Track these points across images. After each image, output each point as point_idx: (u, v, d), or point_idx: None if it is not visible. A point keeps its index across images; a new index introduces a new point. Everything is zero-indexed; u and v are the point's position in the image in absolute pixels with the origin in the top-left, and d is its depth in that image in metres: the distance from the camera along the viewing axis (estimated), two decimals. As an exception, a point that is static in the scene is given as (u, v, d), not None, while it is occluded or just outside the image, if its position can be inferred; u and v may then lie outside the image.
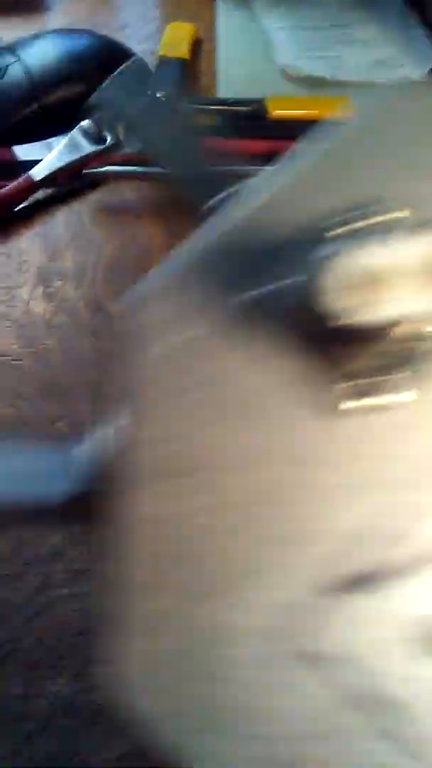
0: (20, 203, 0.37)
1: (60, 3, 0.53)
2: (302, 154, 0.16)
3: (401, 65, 0.46)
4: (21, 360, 0.32)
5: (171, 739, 0.13)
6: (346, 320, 0.10)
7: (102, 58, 0.42)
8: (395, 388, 0.11)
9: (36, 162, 0.38)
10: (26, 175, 0.37)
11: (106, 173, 0.38)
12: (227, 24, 0.48)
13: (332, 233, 0.11)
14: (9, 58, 0.40)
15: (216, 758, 0.12)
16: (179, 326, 0.13)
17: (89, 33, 0.43)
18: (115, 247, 0.36)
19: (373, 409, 0.11)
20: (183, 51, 0.44)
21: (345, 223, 0.12)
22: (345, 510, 0.12)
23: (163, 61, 0.43)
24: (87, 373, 0.32)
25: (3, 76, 0.39)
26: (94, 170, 0.38)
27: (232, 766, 0.12)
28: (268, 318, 0.12)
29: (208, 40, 0.48)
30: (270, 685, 0.12)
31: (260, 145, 0.40)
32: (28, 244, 0.36)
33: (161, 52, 0.44)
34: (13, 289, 0.35)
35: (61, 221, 0.37)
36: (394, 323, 0.10)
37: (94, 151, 0.39)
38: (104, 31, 0.45)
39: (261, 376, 0.12)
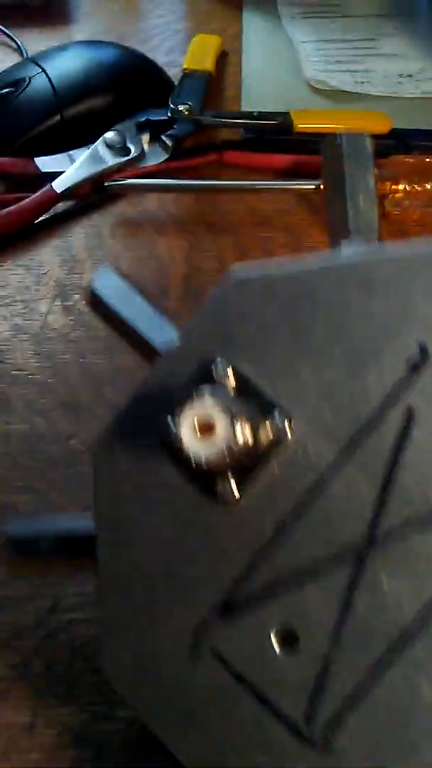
0: (41, 215, 0.37)
1: (85, 15, 0.53)
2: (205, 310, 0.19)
3: (430, 78, 0.45)
4: (37, 374, 0.32)
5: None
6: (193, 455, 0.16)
7: (126, 70, 0.42)
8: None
9: (58, 174, 0.37)
10: (48, 186, 0.37)
11: (128, 186, 0.38)
12: (253, 37, 0.48)
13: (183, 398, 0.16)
14: (33, 70, 0.40)
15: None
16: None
17: (114, 45, 0.43)
18: (134, 260, 0.36)
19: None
20: (208, 64, 0.44)
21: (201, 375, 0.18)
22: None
23: (187, 74, 0.43)
24: (103, 389, 0.31)
25: (27, 87, 0.39)
26: (117, 183, 0.37)
27: None
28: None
29: (234, 52, 0.48)
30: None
31: (285, 160, 0.40)
32: (48, 257, 0.36)
33: (185, 65, 0.44)
34: (31, 303, 0.34)
35: (80, 234, 0.37)
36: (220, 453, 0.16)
37: (116, 163, 0.38)
38: (129, 43, 0.45)
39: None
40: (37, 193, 0.36)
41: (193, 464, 0.16)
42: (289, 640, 0.17)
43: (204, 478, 0.18)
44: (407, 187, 0.37)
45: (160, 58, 0.45)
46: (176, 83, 0.42)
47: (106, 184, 0.37)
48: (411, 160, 0.38)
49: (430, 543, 0.16)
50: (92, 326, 0.33)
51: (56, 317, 0.34)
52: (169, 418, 0.16)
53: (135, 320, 0.21)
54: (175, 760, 0.19)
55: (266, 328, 0.18)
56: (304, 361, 0.18)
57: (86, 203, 0.38)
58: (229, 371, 0.18)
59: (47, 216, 0.37)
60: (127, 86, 0.41)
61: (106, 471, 0.19)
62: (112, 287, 0.22)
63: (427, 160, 0.37)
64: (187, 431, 0.16)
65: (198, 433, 0.16)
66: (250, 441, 0.16)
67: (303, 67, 0.45)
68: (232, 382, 0.18)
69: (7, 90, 0.39)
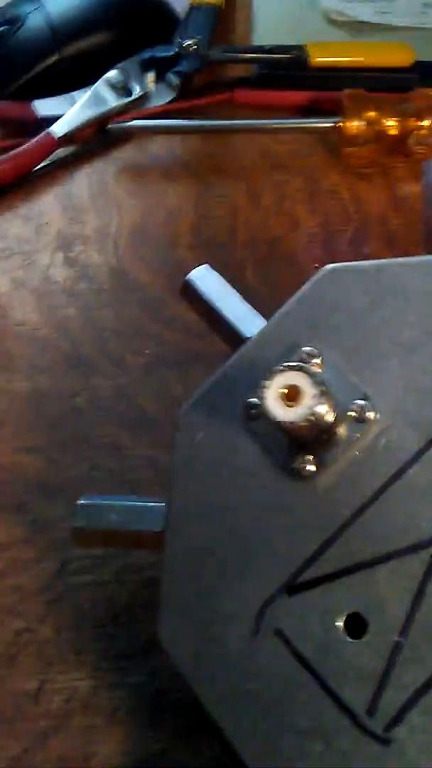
0: (40, 162, 0.35)
1: None
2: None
3: (456, 8, 0.42)
4: (39, 329, 0.30)
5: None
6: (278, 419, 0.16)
7: (129, 5, 0.39)
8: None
9: (58, 118, 0.35)
10: (46, 131, 0.34)
11: (132, 128, 0.35)
12: (265, -34, 0.44)
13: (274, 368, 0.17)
14: (29, 6, 0.37)
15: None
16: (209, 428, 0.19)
17: (117, -22, 0.40)
18: (141, 209, 0.34)
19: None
20: (216, -4, 0.41)
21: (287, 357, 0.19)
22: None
23: (195, 7, 0.40)
24: (108, 344, 0.29)
25: (23, 24, 0.37)
26: (120, 125, 0.35)
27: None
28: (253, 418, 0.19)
29: (244, -16, 0.45)
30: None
31: (301, 97, 0.37)
32: (48, 206, 0.34)
33: (193, -1, 0.41)
34: (31, 255, 0.32)
35: (83, 181, 0.35)
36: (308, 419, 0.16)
37: (119, 105, 0.36)
38: (133, -23, 0.42)
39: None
40: (35, 139, 0.34)
41: (279, 426, 0.16)
42: (357, 626, 0.17)
43: (284, 456, 0.18)
44: (432, 123, 0.34)
45: (165, -7, 0.42)
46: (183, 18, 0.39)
47: (108, 127, 0.35)
48: (436, 93, 0.35)
49: None
50: (96, 278, 0.31)
51: (58, 269, 0.32)
52: (259, 384, 0.17)
53: (231, 316, 0.21)
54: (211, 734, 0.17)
55: (356, 317, 0.19)
56: (393, 353, 0.18)
57: (88, 148, 0.36)
58: (317, 357, 0.19)
59: (46, 163, 0.35)
60: (129, 22, 0.38)
61: (186, 442, 0.20)
62: (211, 284, 0.23)
63: (454, 92, 0.35)
64: (274, 397, 0.16)
65: (284, 401, 0.16)
66: (332, 416, 0.17)
67: (319, -3, 0.42)
68: (320, 364, 0.19)
69: (1, 28, 0.37)
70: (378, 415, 0.18)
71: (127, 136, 0.36)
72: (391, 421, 0.18)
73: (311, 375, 0.16)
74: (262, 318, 0.21)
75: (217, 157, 0.36)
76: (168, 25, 0.39)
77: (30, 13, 0.37)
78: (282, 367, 0.17)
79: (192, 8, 0.40)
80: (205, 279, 0.23)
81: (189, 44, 0.37)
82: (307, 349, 0.19)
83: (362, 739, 0.16)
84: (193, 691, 0.17)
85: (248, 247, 0.32)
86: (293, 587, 0.17)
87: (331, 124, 0.34)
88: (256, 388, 0.17)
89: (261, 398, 0.17)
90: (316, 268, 0.32)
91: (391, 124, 0.34)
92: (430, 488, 0.17)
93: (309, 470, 0.18)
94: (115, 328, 0.30)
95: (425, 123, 0.34)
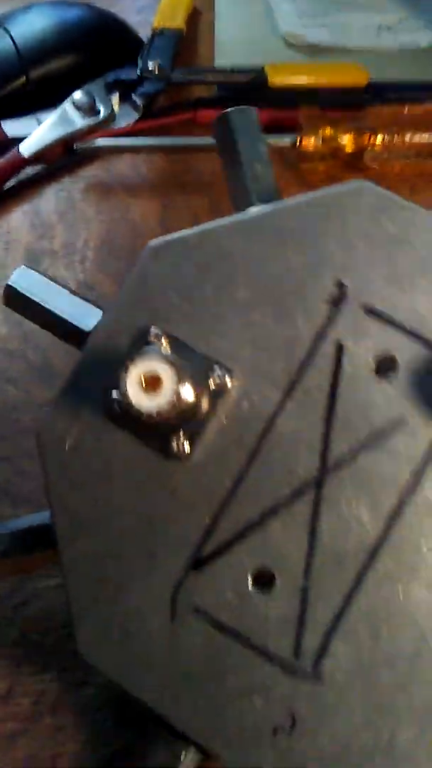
0: (8, 180, 0.36)
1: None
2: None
3: (409, 31, 0.44)
4: (8, 342, 0.31)
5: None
6: (143, 409, 0.16)
7: (93, 30, 0.40)
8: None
9: (25, 138, 0.36)
10: (14, 150, 0.35)
11: (98, 147, 0.36)
12: (226, -8, 0.46)
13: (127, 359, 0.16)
14: (-5, 31, 0.38)
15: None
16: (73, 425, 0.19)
17: (79, 4, 0.41)
18: (107, 224, 0.35)
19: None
20: (179, 21, 0.42)
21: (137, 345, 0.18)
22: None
23: (157, 32, 0.41)
24: (77, 355, 0.30)
25: (-10, 49, 0.38)
26: (86, 144, 0.36)
27: None
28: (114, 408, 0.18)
29: (206, 10, 0.46)
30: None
31: (261, 116, 0.38)
32: (16, 223, 0.35)
33: (156, 23, 0.42)
34: (0, 269, 0.33)
35: (50, 198, 0.36)
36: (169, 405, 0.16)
37: (86, 125, 0.37)
38: (100, 4, 0.43)
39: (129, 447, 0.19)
40: (3, 158, 0.35)
41: (143, 418, 0.16)
42: (265, 580, 0.18)
43: (154, 440, 0.18)
44: (385, 139, 0.35)
45: (131, 18, 0.44)
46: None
47: (75, 146, 0.36)
48: (388, 110, 0.36)
49: (378, 461, 0.17)
50: (64, 292, 0.32)
51: (26, 283, 0.32)
52: (118, 377, 0.16)
53: (67, 313, 0.21)
54: (156, 724, 0.18)
55: (190, 290, 0.19)
56: (233, 317, 0.18)
57: (56, 167, 0.37)
58: (163, 337, 0.18)
59: (15, 181, 0.36)
60: (94, 46, 0.40)
61: (54, 449, 0.19)
62: (36, 284, 0.21)
63: (405, 110, 0.36)
64: (133, 387, 0.16)
65: (144, 388, 0.16)
66: (193, 395, 0.17)
67: (278, 21, 0.43)
68: (167, 346, 0.18)
69: (-31, 53, 0.38)
70: (234, 380, 0.18)
71: (94, 154, 0.37)
72: (248, 382, 0.18)
73: (165, 358, 0.16)
74: (98, 309, 0.20)
75: (180, 174, 0.37)
76: (132, 48, 0.40)
77: (-3, 38, 0.38)
78: (134, 356, 0.16)
79: (154, 33, 0.41)
80: (29, 280, 0.22)
81: (152, 66, 0.38)
82: (154, 330, 0.18)
83: (295, 681, 0.17)
84: (129, 692, 0.18)
85: (211, 260, 0.33)
86: (198, 562, 0.18)
87: (289, 141, 0.36)
88: (114, 381, 0.16)
89: (122, 392, 0.16)
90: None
91: (347, 141, 0.36)
92: (297, 434, 0.17)
93: (184, 449, 0.18)
94: (83, 339, 0.31)
95: (379, 139, 0.36)
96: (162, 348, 0.18)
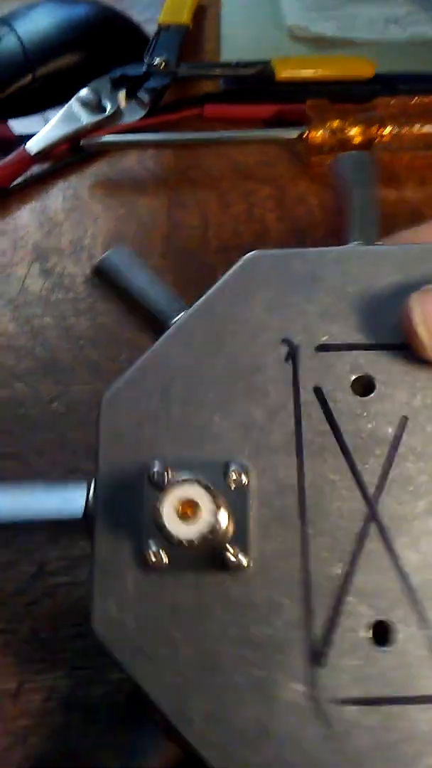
0: (16, 178, 0.35)
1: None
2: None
3: (417, 23, 0.43)
4: (16, 339, 0.31)
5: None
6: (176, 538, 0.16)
7: (98, 27, 0.40)
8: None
9: (32, 135, 0.36)
10: (21, 148, 0.35)
11: (105, 144, 0.36)
12: (231, -13, 0.46)
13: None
14: (1, 29, 0.38)
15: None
16: None
17: (85, 2, 0.41)
18: (114, 221, 0.35)
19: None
20: (185, 17, 0.42)
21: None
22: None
23: (163, 28, 0.41)
24: (85, 351, 0.30)
25: (-4, 48, 0.38)
26: (93, 141, 0.36)
27: None
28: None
29: (212, 5, 0.46)
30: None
31: (268, 110, 0.38)
32: (24, 221, 0.35)
33: (161, 19, 0.42)
34: (8, 267, 0.33)
35: (58, 196, 0.36)
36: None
37: (92, 122, 0.37)
38: (105, 1, 0.43)
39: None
40: (10, 156, 0.35)
41: (184, 546, 0.16)
42: (383, 631, 0.17)
43: (205, 565, 0.18)
44: (394, 130, 0.35)
45: (136, 15, 0.44)
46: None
47: (82, 143, 0.36)
48: (396, 102, 0.36)
49: (406, 462, 0.18)
50: (72, 288, 0.32)
51: (34, 280, 0.32)
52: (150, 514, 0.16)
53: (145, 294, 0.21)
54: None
55: (161, 416, 0.19)
56: (213, 417, 0.19)
57: (63, 164, 0.37)
58: (166, 468, 0.18)
59: (22, 179, 0.36)
60: (99, 43, 0.39)
61: (117, 637, 0.18)
62: (123, 262, 0.22)
63: (413, 101, 0.36)
64: (170, 517, 0.16)
65: (181, 517, 0.16)
66: (227, 519, 0.17)
67: (284, 14, 0.43)
68: (173, 474, 0.18)
69: (-25, 52, 0.38)
70: (249, 471, 0.18)
71: (101, 151, 0.37)
72: (260, 464, 0.18)
73: (198, 482, 0.16)
74: (178, 302, 0.21)
75: (187, 169, 0.37)
76: (137, 44, 0.40)
77: (3, 35, 0.38)
78: (166, 487, 0.16)
79: (160, 28, 0.41)
80: (125, 259, 0.22)
81: (158, 62, 0.38)
82: (156, 468, 0.18)
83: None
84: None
85: (220, 254, 0.33)
86: (315, 656, 0.17)
87: (297, 134, 0.35)
88: (137, 532, 0.17)
89: (159, 524, 0.16)
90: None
91: (355, 132, 0.35)
92: (330, 482, 0.18)
93: (240, 560, 0.17)
94: (90, 335, 0.31)
95: (387, 130, 0.35)
96: (167, 478, 0.18)
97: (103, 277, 0.23)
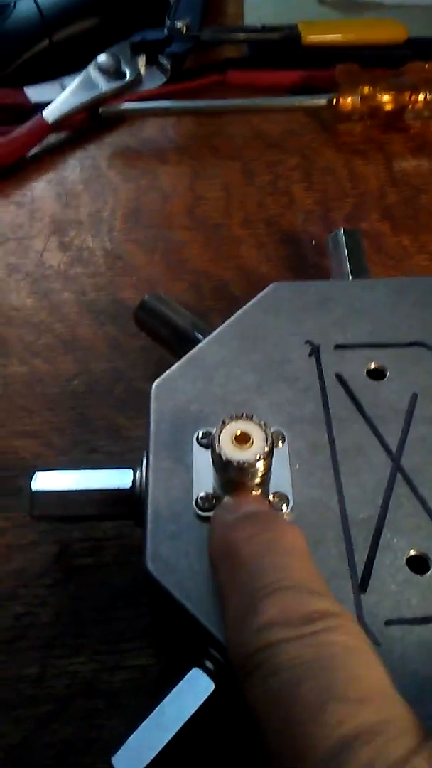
0: (33, 147, 0.34)
1: None
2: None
3: (449, -16, 0.41)
4: (35, 314, 0.30)
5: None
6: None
7: (118, -11, 0.39)
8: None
9: (49, 103, 0.35)
10: (38, 116, 0.34)
11: (124, 111, 0.35)
12: None
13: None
14: (17, -8, 0.37)
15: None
16: None
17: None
18: (135, 192, 0.33)
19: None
20: (206, -21, 0.41)
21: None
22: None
23: (185, -10, 0.39)
24: (105, 326, 0.29)
25: (12, 12, 0.36)
26: (112, 108, 0.35)
27: None
28: None
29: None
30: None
31: (294, 76, 0.37)
32: (41, 192, 0.33)
33: (183, -19, 0.40)
34: (25, 240, 0.32)
35: (75, 166, 0.34)
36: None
37: (111, 89, 0.36)
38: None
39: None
40: (26, 124, 0.34)
41: (235, 469, 0.18)
42: (420, 562, 0.18)
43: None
44: (428, 96, 0.33)
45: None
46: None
47: (101, 110, 0.35)
48: (430, 67, 0.34)
49: (423, 425, 0.21)
50: (91, 262, 0.31)
51: (52, 254, 0.31)
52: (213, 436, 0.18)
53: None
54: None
55: (207, 394, 0.22)
56: (250, 397, 0.22)
57: (81, 133, 0.35)
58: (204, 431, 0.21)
59: (39, 149, 0.35)
60: (118, 6, 0.38)
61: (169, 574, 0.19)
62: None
63: (450, 65, 0.34)
64: (227, 443, 0.18)
65: (236, 444, 0.18)
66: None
67: (310, -23, 0.41)
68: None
69: (-10, 16, 0.36)
70: (286, 434, 0.21)
71: (120, 119, 0.36)
72: (294, 431, 0.21)
73: (253, 420, 0.18)
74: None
75: (210, 138, 0.35)
76: (158, 8, 0.39)
77: (18, 0, 0.36)
78: (226, 419, 0.18)
79: (182, -9, 0.39)
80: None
81: (179, 26, 0.37)
82: (198, 435, 0.21)
83: None
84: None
85: (244, 227, 0.32)
86: (363, 583, 0.18)
87: (325, 101, 0.34)
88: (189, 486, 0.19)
89: (218, 448, 0.18)
90: (314, 244, 0.31)
91: (387, 99, 0.34)
92: (358, 443, 0.21)
93: (284, 514, 0.19)
94: (111, 311, 0.30)
95: (421, 97, 0.34)
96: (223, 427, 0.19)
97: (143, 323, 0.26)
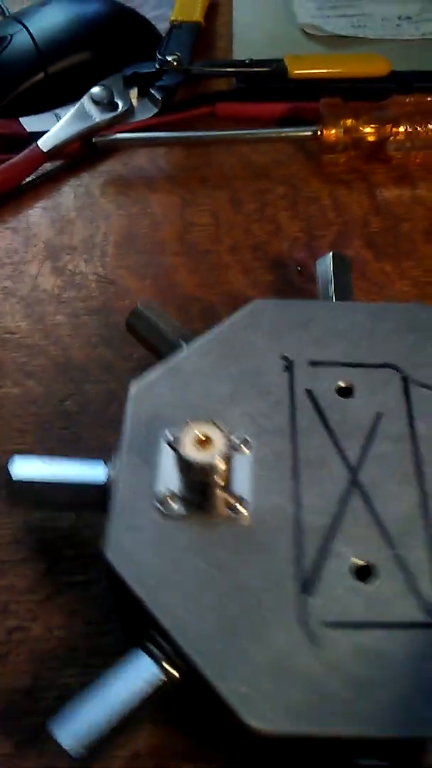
0: (28, 175, 0.36)
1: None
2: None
3: (429, 19, 0.43)
4: (29, 337, 0.31)
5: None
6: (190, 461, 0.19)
7: (110, 24, 0.40)
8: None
9: (44, 133, 0.36)
10: (33, 145, 0.35)
11: (117, 141, 0.36)
12: (244, -16, 0.46)
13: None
14: (14, 27, 0.38)
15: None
16: None
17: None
18: (127, 219, 0.35)
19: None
20: (197, 14, 0.42)
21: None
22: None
23: (176, 25, 0.41)
24: (98, 349, 0.30)
25: (8, 45, 0.38)
26: (105, 138, 0.36)
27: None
28: None
29: (224, 3, 0.46)
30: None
31: (280, 108, 0.38)
32: (36, 218, 0.35)
33: (173, 16, 0.42)
34: (20, 265, 0.33)
35: (69, 193, 0.36)
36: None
37: (104, 119, 0.37)
38: (117, -2, 0.43)
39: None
40: (22, 153, 0.35)
41: (194, 470, 0.19)
42: (365, 569, 0.20)
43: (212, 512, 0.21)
44: (408, 129, 0.35)
45: (149, 12, 0.44)
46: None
47: (94, 140, 0.36)
48: (411, 100, 0.36)
49: (382, 444, 0.22)
50: (85, 285, 0.32)
51: (46, 278, 0.32)
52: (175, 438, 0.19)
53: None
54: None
55: (180, 398, 0.23)
56: (224, 406, 0.23)
57: (75, 162, 0.37)
58: (172, 433, 0.21)
59: (34, 176, 0.36)
60: (111, 40, 0.39)
61: (128, 565, 0.20)
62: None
63: (429, 99, 0.36)
64: (189, 445, 0.19)
65: (198, 445, 0.19)
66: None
67: (297, 13, 0.43)
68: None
69: (-12, 49, 0.38)
70: (249, 444, 0.22)
71: (113, 149, 0.37)
72: (260, 441, 0.22)
73: (214, 424, 0.19)
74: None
75: (199, 167, 0.36)
76: (149, 42, 0.40)
77: (15, 33, 0.38)
78: (189, 422, 0.19)
79: (173, 26, 0.41)
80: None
81: (170, 60, 0.38)
82: (167, 435, 0.22)
83: None
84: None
85: (232, 253, 0.33)
86: (305, 585, 0.19)
87: (310, 133, 0.35)
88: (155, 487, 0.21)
89: (178, 449, 0.19)
90: (299, 270, 0.32)
91: (369, 131, 0.35)
92: (320, 454, 0.22)
93: (243, 512, 0.20)
94: (103, 334, 0.31)
95: (401, 129, 0.35)
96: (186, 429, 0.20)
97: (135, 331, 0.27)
